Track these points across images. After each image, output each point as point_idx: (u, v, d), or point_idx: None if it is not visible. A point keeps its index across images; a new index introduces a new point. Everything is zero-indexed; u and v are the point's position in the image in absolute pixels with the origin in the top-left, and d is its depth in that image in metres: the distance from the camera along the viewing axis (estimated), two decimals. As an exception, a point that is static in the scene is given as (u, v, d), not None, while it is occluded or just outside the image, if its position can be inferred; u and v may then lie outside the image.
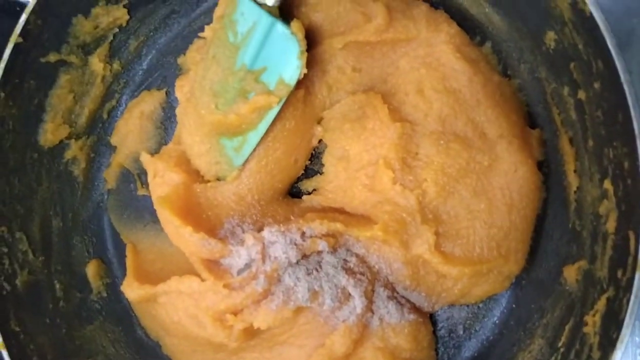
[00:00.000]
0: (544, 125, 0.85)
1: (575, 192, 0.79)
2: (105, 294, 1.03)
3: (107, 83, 1.06)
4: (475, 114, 0.84)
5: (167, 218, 0.88)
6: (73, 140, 1.03)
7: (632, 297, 0.59)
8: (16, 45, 0.89)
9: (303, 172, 0.96)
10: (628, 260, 0.62)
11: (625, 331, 0.59)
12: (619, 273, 0.64)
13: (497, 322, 0.88)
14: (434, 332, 0.89)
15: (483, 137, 0.83)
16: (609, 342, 0.62)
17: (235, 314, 0.84)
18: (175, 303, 0.89)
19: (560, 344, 0.74)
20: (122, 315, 1.02)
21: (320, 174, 0.95)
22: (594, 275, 0.70)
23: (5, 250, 0.91)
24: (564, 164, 0.81)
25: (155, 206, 0.92)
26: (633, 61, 0.88)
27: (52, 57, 0.96)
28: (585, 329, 0.69)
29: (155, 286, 0.90)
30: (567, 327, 0.74)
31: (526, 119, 0.87)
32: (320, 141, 0.95)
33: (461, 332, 0.90)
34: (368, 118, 0.88)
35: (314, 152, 0.97)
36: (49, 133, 0.99)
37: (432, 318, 0.90)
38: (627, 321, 0.59)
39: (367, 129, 0.87)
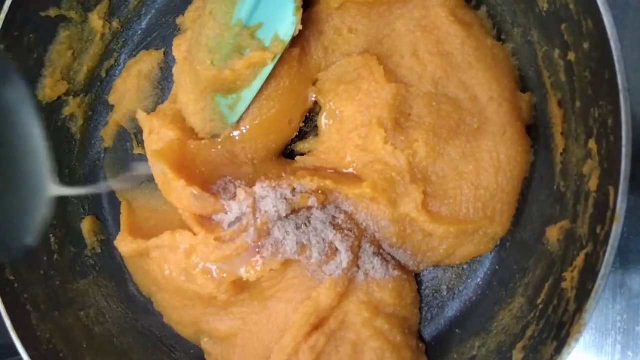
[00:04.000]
0: (535, 89, 0.86)
1: (561, 154, 0.80)
2: (99, 250, 1.05)
3: (106, 41, 1.07)
4: (467, 76, 0.84)
5: (161, 171, 0.89)
6: (71, 98, 1.04)
7: (609, 249, 0.61)
8: (16, -2, 0.90)
9: (297, 133, 0.97)
10: (607, 214, 0.64)
11: (601, 282, 0.61)
12: (598, 229, 0.66)
13: (480, 283, 0.90)
14: (419, 291, 0.91)
15: (474, 99, 0.84)
16: (584, 294, 0.63)
17: None
18: (167, 257, 0.91)
19: (539, 301, 0.76)
20: (116, 272, 1.04)
21: (315, 136, 0.96)
22: (575, 233, 0.72)
23: (3, 201, 0.92)
24: (552, 127, 0.82)
25: (150, 160, 0.93)
26: (627, 32, 0.89)
27: (52, 12, 0.97)
28: (564, 285, 0.71)
29: (147, 241, 0.92)
30: (546, 285, 0.75)
31: (517, 83, 0.87)
32: (315, 103, 0.96)
33: (445, 293, 0.91)
34: (363, 79, 0.88)
35: (308, 115, 0.98)
36: (48, 88, 1.00)
37: (417, 278, 0.92)
38: (603, 272, 0.61)
39: (361, 90, 0.88)
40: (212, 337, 0.94)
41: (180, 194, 0.88)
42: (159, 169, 0.91)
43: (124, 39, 1.08)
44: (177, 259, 0.89)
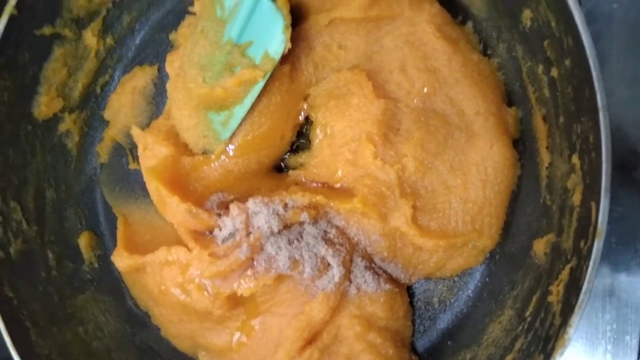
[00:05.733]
0: (520, 104, 0.87)
1: (547, 168, 0.81)
2: (97, 265, 1.05)
3: (101, 58, 1.07)
4: (454, 91, 0.85)
5: (155, 188, 0.91)
6: (67, 114, 1.05)
7: (591, 264, 0.62)
8: (11, 17, 0.90)
9: (290, 148, 0.98)
10: (589, 230, 0.64)
11: (584, 297, 0.62)
12: (582, 243, 0.66)
13: (471, 295, 0.91)
14: (411, 304, 0.92)
15: (461, 114, 0.85)
16: (569, 308, 0.64)
17: None
18: (162, 272, 0.92)
19: (527, 314, 0.76)
20: (113, 286, 1.04)
21: (306, 150, 0.97)
22: (560, 247, 0.73)
23: (0, 219, 0.93)
24: (537, 141, 0.83)
25: (145, 177, 0.95)
26: (612, 44, 0.90)
27: (47, 30, 0.97)
28: (550, 298, 0.71)
29: (143, 256, 0.93)
30: (534, 298, 0.76)
31: (504, 98, 0.88)
32: (307, 118, 0.97)
33: (437, 305, 0.92)
34: (353, 94, 0.89)
35: (300, 130, 0.99)
36: (43, 106, 1.01)
37: (409, 291, 0.92)
38: (586, 287, 0.62)
39: (351, 105, 0.89)
40: (209, 351, 0.95)
41: (175, 210, 0.89)
42: (153, 185, 0.92)
43: (118, 55, 1.09)
44: (172, 274, 0.90)
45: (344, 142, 0.90)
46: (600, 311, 0.89)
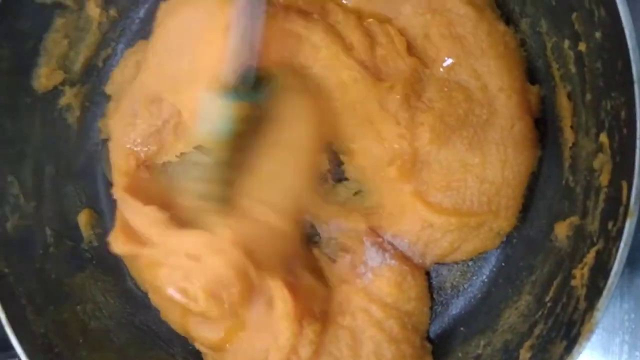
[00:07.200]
0: (543, 82, 0.85)
1: (570, 148, 0.78)
2: (96, 244, 1.02)
3: (103, 30, 1.04)
4: (479, 63, 0.82)
5: None
6: (67, 87, 1.02)
7: (622, 245, 0.59)
8: (11, -17, 0.88)
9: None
10: (619, 210, 0.62)
11: (614, 279, 0.59)
12: (610, 225, 0.64)
13: (485, 280, 0.88)
14: (423, 289, 0.89)
15: (484, 89, 0.82)
16: (596, 291, 0.62)
17: None
18: (156, 271, 0.86)
19: (547, 299, 0.74)
20: (113, 266, 1.01)
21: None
22: (585, 230, 0.70)
23: (-3, 194, 0.90)
24: (561, 120, 0.80)
25: None
26: (637, 22, 0.86)
27: (48, -1, 0.95)
28: (574, 282, 0.69)
29: (140, 248, 0.87)
30: (555, 283, 0.74)
31: (527, 75, 0.86)
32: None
33: (449, 290, 0.90)
34: (380, 45, 0.85)
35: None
36: (43, 77, 0.98)
37: (422, 276, 0.90)
38: (616, 269, 0.59)
39: (377, 57, 0.85)
40: (202, 344, 0.92)
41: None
42: None
43: (121, 28, 1.06)
44: (170, 275, 0.84)
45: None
46: (618, 301, 0.86)
